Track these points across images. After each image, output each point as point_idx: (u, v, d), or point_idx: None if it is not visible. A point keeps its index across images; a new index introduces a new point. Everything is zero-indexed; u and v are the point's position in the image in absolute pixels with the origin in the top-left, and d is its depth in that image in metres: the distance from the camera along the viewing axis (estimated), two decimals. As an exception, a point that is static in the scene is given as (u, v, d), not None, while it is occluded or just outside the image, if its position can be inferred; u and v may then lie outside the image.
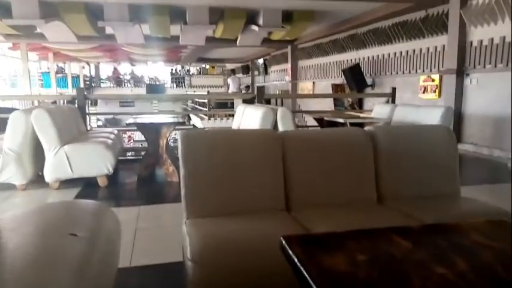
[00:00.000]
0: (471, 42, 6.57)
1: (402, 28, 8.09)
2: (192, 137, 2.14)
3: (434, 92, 7.36)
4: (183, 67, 23.85)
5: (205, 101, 13.77)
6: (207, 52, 16.31)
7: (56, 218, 1.51)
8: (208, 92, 15.68)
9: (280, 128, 4.66)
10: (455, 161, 2.52)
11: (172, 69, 23.76)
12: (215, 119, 11.21)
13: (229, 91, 17.09)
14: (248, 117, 5.11)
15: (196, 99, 16.58)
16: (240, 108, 5.98)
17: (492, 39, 6.20)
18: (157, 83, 23.95)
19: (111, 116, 18.63)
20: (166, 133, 4.73)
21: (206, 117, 11.21)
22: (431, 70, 7.57)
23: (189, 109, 17.96)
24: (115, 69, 22.84)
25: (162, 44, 11.50)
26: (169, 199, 4.07)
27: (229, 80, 18.07)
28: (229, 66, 22.39)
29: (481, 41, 6.38)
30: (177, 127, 5.23)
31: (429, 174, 2.44)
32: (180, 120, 5.93)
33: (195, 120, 12.17)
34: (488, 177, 5.22)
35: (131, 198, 4.24)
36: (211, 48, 14.67)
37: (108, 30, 8.85)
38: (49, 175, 4.13)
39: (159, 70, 24.84)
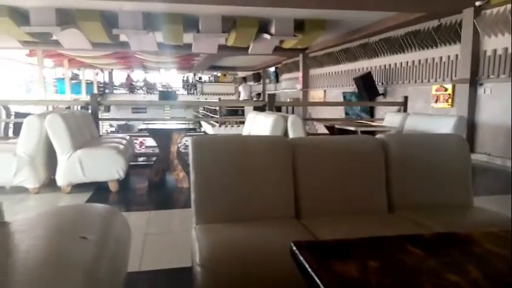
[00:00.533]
0: (485, 52, 6.50)
1: (415, 37, 8.05)
2: (202, 143, 2.16)
3: (447, 101, 7.29)
4: (195, 74, 24.06)
5: (217, 108, 13.85)
6: (219, 60, 16.45)
7: (67, 221, 1.53)
8: (219, 99, 15.77)
9: (291, 136, 4.66)
10: (468, 170, 2.48)
11: (184, 77, 23.97)
12: (226, 126, 11.26)
13: (240, 98, 17.17)
14: (259, 125, 5.12)
15: (208, 106, 16.68)
16: (251, 116, 5.99)
17: (506, 49, 6.13)
18: (170, 90, 24.19)
19: (124, 122, 18.84)
20: (177, 139, 4.76)
21: (217, 124, 11.27)
22: (444, 79, 7.50)
23: (201, 116, 18.08)
24: (128, 76, 23.15)
25: (175, 51, 11.63)
26: (180, 205, 4.09)
27: (240, 88, 18.18)
28: (240, 74, 22.52)
29: (495, 51, 6.32)
30: (188, 133, 5.26)
31: (441, 183, 2.41)
32: (191, 126, 5.96)
33: (206, 127, 12.24)
34: (501, 188, 5.12)
35: (142, 203, 4.27)
36: (223, 56, 14.80)
37: (123, 37, 8.99)
38: (61, 179, 4.18)
39: (171, 77, 25.11)
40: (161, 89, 24.02)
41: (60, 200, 4.08)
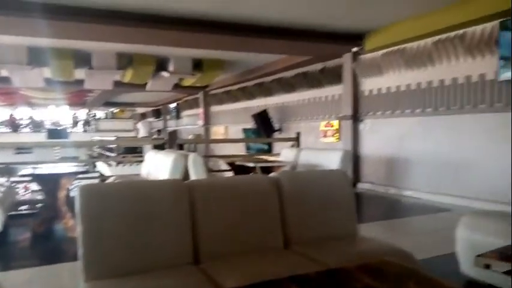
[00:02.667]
0: (363, 92, 7.36)
1: (304, 78, 8.78)
2: (91, 191, 2.03)
3: (334, 136, 8.00)
4: (89, 111, 22.68)
5: (113, 146, 13.14)
6: (115, 96, 15.81)
7: None
8: (116, 137, 15.04)
9: (192, 174, 4.64)
10: (351, 202, 2.72)
11: (76, 113, 22.44)
12: (124, 165, 10.69)
13: (140, 135, 16.60)
14: (158, 164, 5.00)
15: (103, 145, 15.73)
16: (151, 154, 5.83)
17: (380, 89, 7.02)
18: (60, 127, 22.31)
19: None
20: (66, 184, 4.39)
21: (114, 164, 10.65)
22: (330, 116, 8.25)
23: (95, 155, 16.93)
24: (11, 114, 20.82)
25: (65, 87, 10.90)
26: (69, 257, 3.70)
27: (139, 125, 17.60)
28: (139, 110, 21.87)
29: (371, 91, 7.19)
30: (79, 176, 4.90)
31: (330, 217, 2.59)
32: (83, 169, 5.56)
33: (102, 167, 11.48)
34: (384, 214, 5.70)
35: (23, 259, 3.77)
36: (120, 93, 14.28)
37: (4, 72, 8.16)
38: None
39: (62, 114, 23.26)
40: (50, 126, 22.04)
41: None
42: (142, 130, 16.54)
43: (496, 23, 5.01)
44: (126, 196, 2.06)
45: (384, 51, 6.71)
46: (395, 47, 6.51)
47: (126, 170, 10.40)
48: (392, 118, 6.76)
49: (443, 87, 5.89)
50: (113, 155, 13.18)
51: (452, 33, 5.61)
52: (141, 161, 6.67)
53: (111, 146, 13.70)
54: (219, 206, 2.24)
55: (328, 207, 2.60)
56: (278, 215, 2.41)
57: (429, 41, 5.94)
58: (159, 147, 7.72)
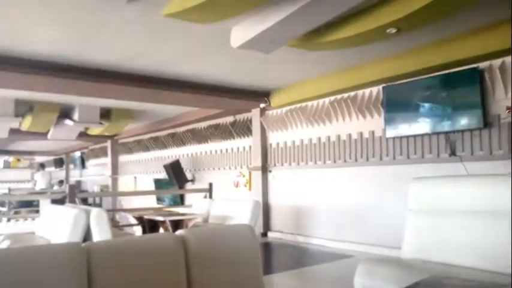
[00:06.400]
0: (270, 144, 7.77)
1: (216, 129, 9.00)
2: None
3: (246, 186, 8.20)
4: (-23, 159, 20.19)
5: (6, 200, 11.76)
6: (11, 144, 14.40)
7: None
8: (9, 189, 13.54)
9: (94, 232, 4.36)
10: (257, 256, 2.80)
11: (-39, 162, 19.79)
12: (17, 221, 9.59)
13: (38, 188, 15.15)
14: (57, 221, 4.63)
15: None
16: (48, 209, 5.39)
17: (286, 142, 7.48)
18: None
19: None
20: None
21: (5, 219, 9.50)
22: (242, 167, 8.49)
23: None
24: None
25: None
26: None
27: (37, 175, 16.10)
28: (38, 158, 20.09)
29: (278, 143, 7.62)
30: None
31: (237, 274, 2.63)
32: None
33: (-11, 225, 10.14)
34: (292, 263, 5.88)
35: None
36: (17, 140, 13.07)
37: None
38: None
39: None
40: None
41: None
42: (41, 181, 15.15)
43: (380, 87, 5.77)
44: (8, 265, 1.85)
45: (288, 108, 7.26)
46: (298, 105, 7.09)
47: (20, 226, 9.33)
48: (297, 169, 7.19)
49: (340, 142, 6.50)
50: (4, 209, 11.78)
51: (346, 95, 6.32)
52: (37, 217, 6.09)
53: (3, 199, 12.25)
54: (120, 273, 2.13)
55: (236, 264, 2.64)
56: (184, 276, 2.38)
57: (327, 100, 6.60)
58: (58, 200, 7.14)
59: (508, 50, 4.36)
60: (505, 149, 4.63)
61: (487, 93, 4.76)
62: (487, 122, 4.73)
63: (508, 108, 4.61)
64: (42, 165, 16.89)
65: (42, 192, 11.92)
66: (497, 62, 4.65)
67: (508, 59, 4.57)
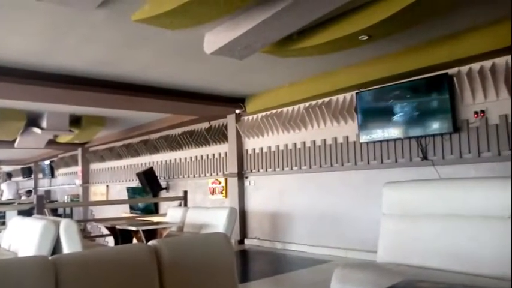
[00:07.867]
0: (247, 150, 7.73)
1: (190, 136, 8.89)
2: None
3: (222, 193, 8.12)
4: None
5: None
6: (-26, 153, 13.79)
7: None
8: (-28, 200, 12.93)
9: (64, 244, 4.19)
10: (233, 267, 2.75)
11: None
12: (-20, 234, 9.14)
13: (4, 198, 14.52)
14: (24, 233, 4.42)
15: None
16: (15, 221, 5.14)
17: (262, 148, 7.46)
18: None
19: None
20: None
21: (-34, 233, 9.04)
22: (217, 173, 8.41)
23: None
24: None
25: None
26: None
27: (3, 185, 15.44)
28: (5, 168, 19.30)
29: (254, 149, 7.60)
30: None
31: (212, 283, 2.57)
32: None
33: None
34: (270, 269, 5.83)
35: None
36: (-19, 149, 12.52)
37: None
38: None
39: None
40: None
41: None
42: (7, 191, 14.53)
43: (354, 93, 5.85)
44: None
45: (263, 113, 7.26)
46: (273, 111, 7.10)
47: (-17, 240, 8.90)
48: (273, 175, 7.18)
49: (315, 147, 6.54)
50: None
51: (320, 101, 6.37)
52: (3, 229, 5.81)
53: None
54: (90, 286, 2.05)
55: (210, 274, 2.58)
56: (157, 286, 2.31)
57: (301, 106, 6.64)
58: (26, 212, 6.85)
59: (474, 56, 4.52)
60: (474, 153, 4.78)
61: (457, 99, 4.91)
62: (456, 127, 4.87)
63: (475, 113, 4.76)
64: (9, 175, 16.20)
65: (8, 203, 11.41)
66: (465, 68, 4.81)
67: (475, 65, 4.73)
